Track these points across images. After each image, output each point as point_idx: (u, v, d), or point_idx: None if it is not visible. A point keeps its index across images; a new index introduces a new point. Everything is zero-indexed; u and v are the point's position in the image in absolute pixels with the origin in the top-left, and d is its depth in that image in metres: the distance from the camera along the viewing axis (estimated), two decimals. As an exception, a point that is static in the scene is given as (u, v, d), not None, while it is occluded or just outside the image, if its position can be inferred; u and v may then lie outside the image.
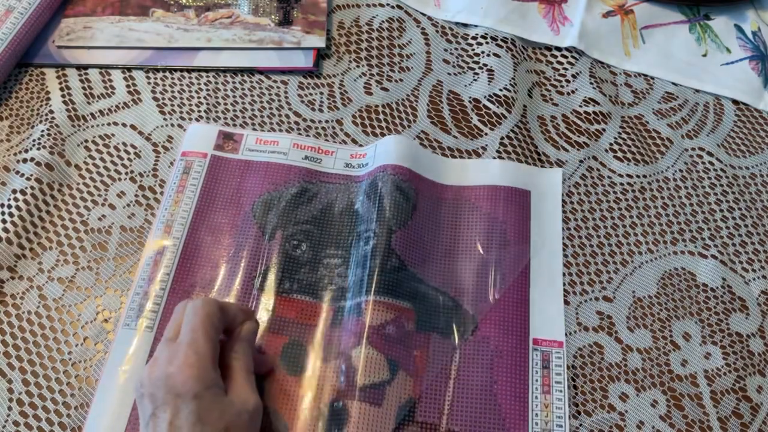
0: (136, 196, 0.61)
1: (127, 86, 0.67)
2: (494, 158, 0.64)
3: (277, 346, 0.53)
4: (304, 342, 0.53)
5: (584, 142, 0.66)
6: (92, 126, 0.64)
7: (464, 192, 0.61)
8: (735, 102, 0.72)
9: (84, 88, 0.67)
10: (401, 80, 0.70)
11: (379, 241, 0.56)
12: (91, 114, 0.65)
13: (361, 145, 0.65)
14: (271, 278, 0.56)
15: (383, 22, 0.74)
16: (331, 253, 0.57)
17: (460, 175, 0.62)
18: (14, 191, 0.59)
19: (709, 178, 0.66)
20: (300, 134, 0.65)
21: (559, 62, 0.72)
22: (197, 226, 0.58)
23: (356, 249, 0.57)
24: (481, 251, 0.58)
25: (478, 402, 0.51)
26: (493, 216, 0.59)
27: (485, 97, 0.68)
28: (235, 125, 0.65)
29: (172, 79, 0.68)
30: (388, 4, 0.75)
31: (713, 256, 0.61)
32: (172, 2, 0.72)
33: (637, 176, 0.65)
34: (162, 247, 0.57)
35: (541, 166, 0.65)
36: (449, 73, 0.71)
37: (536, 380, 0.53)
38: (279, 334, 0.53)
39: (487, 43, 0.72)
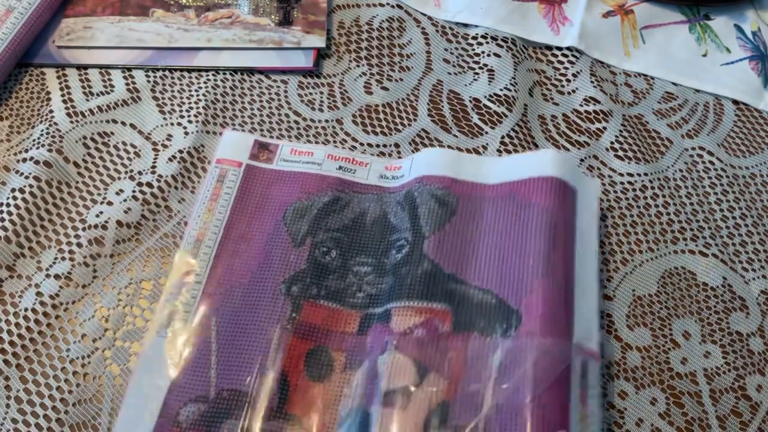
0: (134, 191, 0.61)
1: (127, 85, 0.67)
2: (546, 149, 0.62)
3: (301, 352, 0.52)
4: (329, 348, 0.53)
5: (585, 141, 0.66)
6: (90, 122, 0.64)
7: (513, 187, 0.58)
8: (735, 102, 0.72)
9: (84, 87, 0.67)
10: (401, 80, 0.70)
11: (411, 249, 0.55)
12: (90, 110, 0.65)
13: (390, 155, 0.65)
14: (299, 283, 0.55)
15: (383, 21, 0.74)
16: (361, 260, 0.56)
17: (506, 171, 0.59)
18: (13, 189, 0.59)
19: (710, 177, 0.66)
20: (327, 143, 0.65)
21: (559, 61, 0.72)
22: (229, 234, 0.58)
23: (388, 258, 0.56)
24: (531, 244, 0.54)
25: (520, 404, 0.47)
26: (543, 207, 0.55)
27: (486, 96, 0.68)
28: (234, 124, 0.65)
29: (172, 78, 0.68)
30: (388, 4, 0.75)
31: (714, 255, 0.61)
32: (172, 2, 0.72)
33: (638, 174, 0.65)
34: (193, 256, 0.56)
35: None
36: (449, 73, 0.71)
37: (576, 387, 0.49)
38: (304, 340, 0.53)
39: (487, 43, 0.72)
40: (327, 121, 0.66)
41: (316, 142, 0.65)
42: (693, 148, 0.67)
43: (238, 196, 0.60)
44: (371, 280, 0.55)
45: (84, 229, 0.58)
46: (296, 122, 0.66)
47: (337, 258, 0.56)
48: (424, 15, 0.74)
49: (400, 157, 0.64)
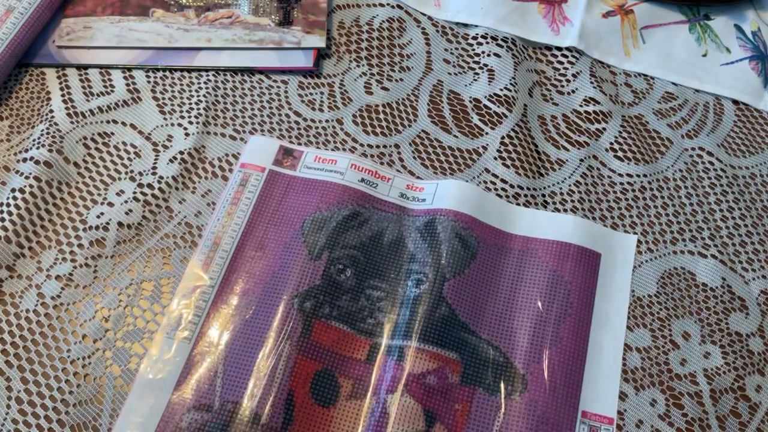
0: (134, 192, 0.61)
1: (127, 85, 0.67)
2: (566, 213, 0.62)
3: (309, 372, 0.52)
4: (336, 373, 0.52)
5: (584, 142, 0.66)
6: (91, 123, 0.64)
7: (531, 244, 0.59)
8: (735, 102, 0.72)
9: (84, 87, 0.67)
10: (401, 80, 0.70)
11: (430, 287, 0.55)
12: (90, 111, 0.65)
13: (413, 174, 0.64)
14: (312, 300, 0.54)
15: (383, 21, 0.74)
16: (374, 284, 0.56)
17: (528, 225, 0.60)
18: (13, 190, 0.59)
19: (709, 177, 0.66)
20: (327, 143, 0.65)
21: (559, 62, 0.72)
22: (246, 240, 0.58)
23: (403, 288, 0.56)
24: (541, 309, 0.55)
25: None
26: (558, 274, 0.57)
27: (486, 96, 0.68)
28: (234, 125, 0.65)
29: (172, 78, 0.68)
30: (388, 4, 0.75)
31: (713, 256, 0.61)
32: (172, 2, 0.72)
33: (638, 175, 0.65)
34: (209, 259, 0.57)
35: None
36: (450, 73, 0.71)
37: None
38: (312, 360, 0.52)
39: (487, 43, 0.72)
40: (327, 121, 0.66)
41: (317, 143, 0.65)
42: (693, 149, 0.67)
43: (258, 201, 0.60)
44: (383, 306, 0.55)
45: (85, 230, 0.58)
46: (296, 122, 0.66)
47: (351, 278, 0.56)
48: (424, 15, 0.74)
49: (401, 158, 0.64)
